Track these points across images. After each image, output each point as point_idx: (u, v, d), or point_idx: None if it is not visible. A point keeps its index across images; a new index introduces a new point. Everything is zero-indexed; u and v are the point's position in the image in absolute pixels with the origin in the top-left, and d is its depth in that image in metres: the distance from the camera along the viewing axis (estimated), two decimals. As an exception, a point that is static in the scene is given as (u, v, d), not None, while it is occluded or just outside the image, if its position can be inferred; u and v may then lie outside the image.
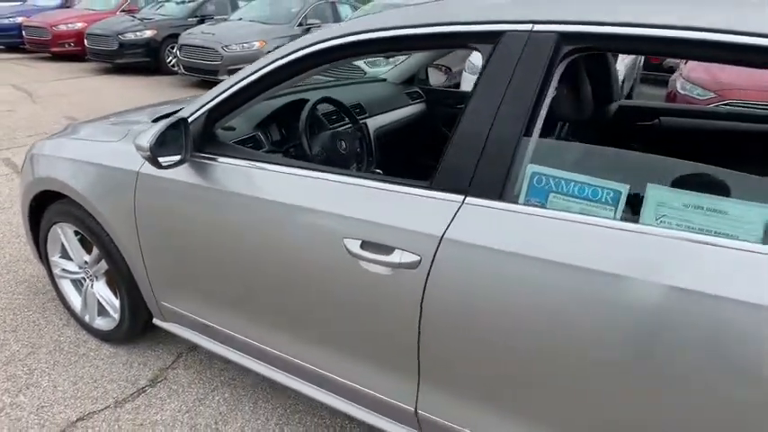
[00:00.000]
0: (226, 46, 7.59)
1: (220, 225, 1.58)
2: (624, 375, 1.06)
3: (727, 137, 2.18)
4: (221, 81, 1.79)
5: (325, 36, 1.47)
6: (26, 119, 5.92)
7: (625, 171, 1.17)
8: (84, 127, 2.17)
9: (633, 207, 1.10)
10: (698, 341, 0.98)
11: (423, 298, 1.25)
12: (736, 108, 4.17)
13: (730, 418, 0.98)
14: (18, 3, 13.05)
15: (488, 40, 1.26)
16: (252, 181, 1.54)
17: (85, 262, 2.17)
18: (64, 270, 2.27)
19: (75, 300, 2.30)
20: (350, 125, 2.38)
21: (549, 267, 1.10)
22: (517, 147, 1.17)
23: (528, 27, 1.21)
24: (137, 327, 2.12)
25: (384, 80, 3.09)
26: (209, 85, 6.90)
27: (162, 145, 1.54)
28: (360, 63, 5.71)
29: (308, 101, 2.14)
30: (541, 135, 1.24)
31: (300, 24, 8.18)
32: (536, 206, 1.16)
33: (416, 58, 3.03)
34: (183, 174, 1.64)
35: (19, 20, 10.93)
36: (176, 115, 1.62)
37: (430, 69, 3.21)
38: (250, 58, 6.86)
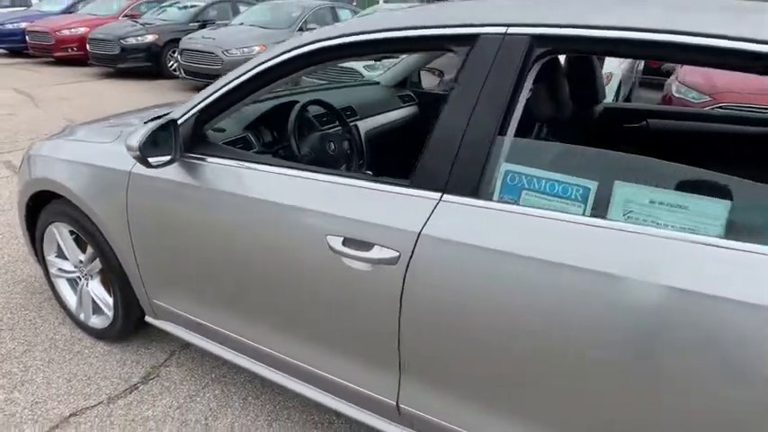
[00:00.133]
0: (226, 50, 7.67)
1: (209, 223, 1.62)
2: (588, 367, 1.09)
3: (717, 139, 2.19)
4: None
5: (311, 39, 1.51)
6: (27, 122, 5.98)
7: (599, 169, 1.20)
8: (81, 128, 2.22)
9: (602, 204, 1.13)
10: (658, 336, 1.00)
11: (402, 293, 1.28)
12: (728, 110, 4.19)
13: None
14: (22, 8, 13.18)
15: (465, 42, 1.29)
16: (240, 180, 1.57)
17: (80, 261, 2.21)
18: (60, 269, 2.30)
19: (71, 298, 2.33)
20: (340, 127, 2.42)
21: (520, 262, 1.13)
22: (492, 146, 1.21)
23: (502, 30, 1.25)
24: (130, 325, 2.16)
25: (377, 83, 3.14)
26: (209, 88, 6.93)
27: (152, 145, 1.58)
28: (358, 67, 5.76)
29: (298, 103, 2.19)
30: (519, 135, 1.28)
31: (301, 29, 8.23)
32: (509, 203, 1.20)
33: (409, 62, 3.07)
34: (174, 173, 1.68)
35: (23, 25, 11.02)
36: (166, 116, 1.67)
37: (422, 73, 3.25)
38: (250, 63, 6.90)
